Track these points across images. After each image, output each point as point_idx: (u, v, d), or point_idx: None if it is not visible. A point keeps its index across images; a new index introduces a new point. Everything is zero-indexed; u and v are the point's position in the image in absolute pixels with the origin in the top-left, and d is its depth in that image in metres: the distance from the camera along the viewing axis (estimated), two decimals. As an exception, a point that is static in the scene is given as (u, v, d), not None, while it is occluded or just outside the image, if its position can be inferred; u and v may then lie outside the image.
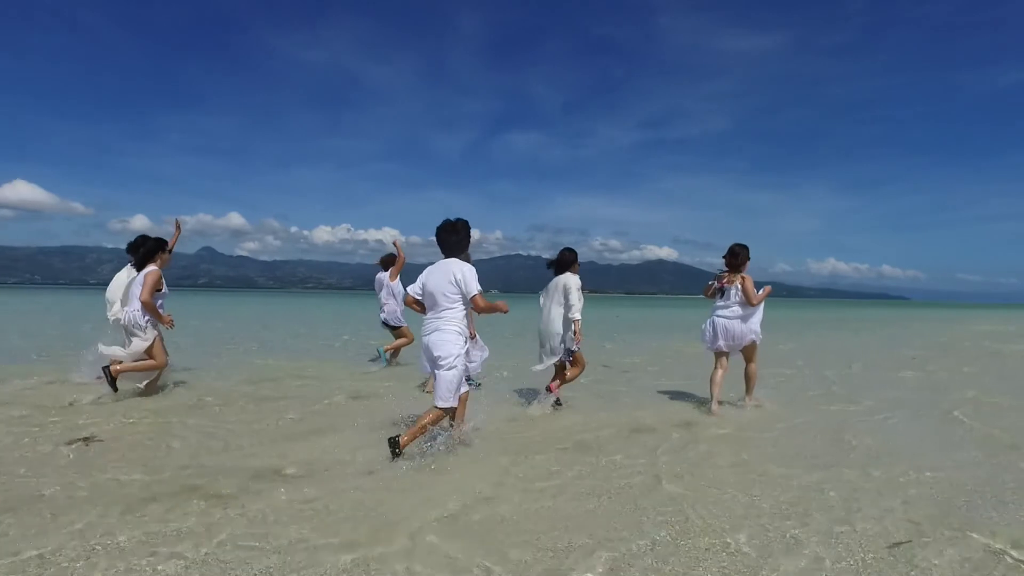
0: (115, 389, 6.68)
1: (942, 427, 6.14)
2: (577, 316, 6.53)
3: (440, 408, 4.63)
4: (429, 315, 4.78)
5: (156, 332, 6.87)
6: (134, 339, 6.79)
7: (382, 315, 9.85)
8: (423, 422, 4.59)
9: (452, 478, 4.20)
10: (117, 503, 3.63)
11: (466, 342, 4.72)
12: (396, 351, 9.99)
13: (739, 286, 6.68)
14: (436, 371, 4.67)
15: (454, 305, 4.65)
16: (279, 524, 3.38)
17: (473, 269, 4.71)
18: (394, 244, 9.75)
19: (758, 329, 6.76)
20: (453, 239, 4.81)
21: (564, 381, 6.84)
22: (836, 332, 23.50)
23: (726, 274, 6.80)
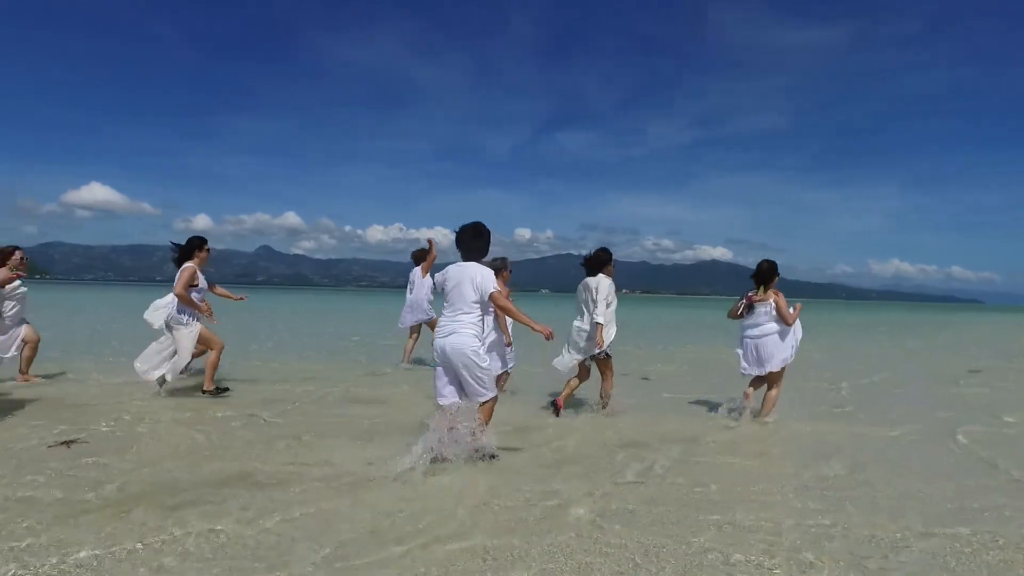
0: (160, 385, 6.98)
1: (945, 456, 5.38)
2: (601, 320, 6.29)
3: (485, 402, 4.63)
4: (445, 318, 4.68)
5: (198, 324, 7.00)
6: (176, 335, 6.92)
7: (402, 324, 10.01)
8: (483, 418, 4.61)
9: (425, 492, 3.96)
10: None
11: (483, 344, 4.66)
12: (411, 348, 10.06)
13: (772, 304, 6.29)
14: (462, 375, 4.57)
15: (472, 309, 4.58)
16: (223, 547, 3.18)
17: (492, 273, 4.64)
18: (428, 241, 9.80)
19: (791, 353, 6.34)
20: (478, 243, 4.71)
21: (572, 391, 6.69)
22: (884, 338, 22.37)
23: (755, 292, 6.42)
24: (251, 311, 26.14)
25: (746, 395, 6.57)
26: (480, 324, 4.64)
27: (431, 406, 4.84)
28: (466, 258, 4.72)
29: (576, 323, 6.59)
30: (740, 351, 6.56)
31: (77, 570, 2.83)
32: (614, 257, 6.64)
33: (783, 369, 6.39)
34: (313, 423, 5.99)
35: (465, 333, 4.55)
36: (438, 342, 4.64)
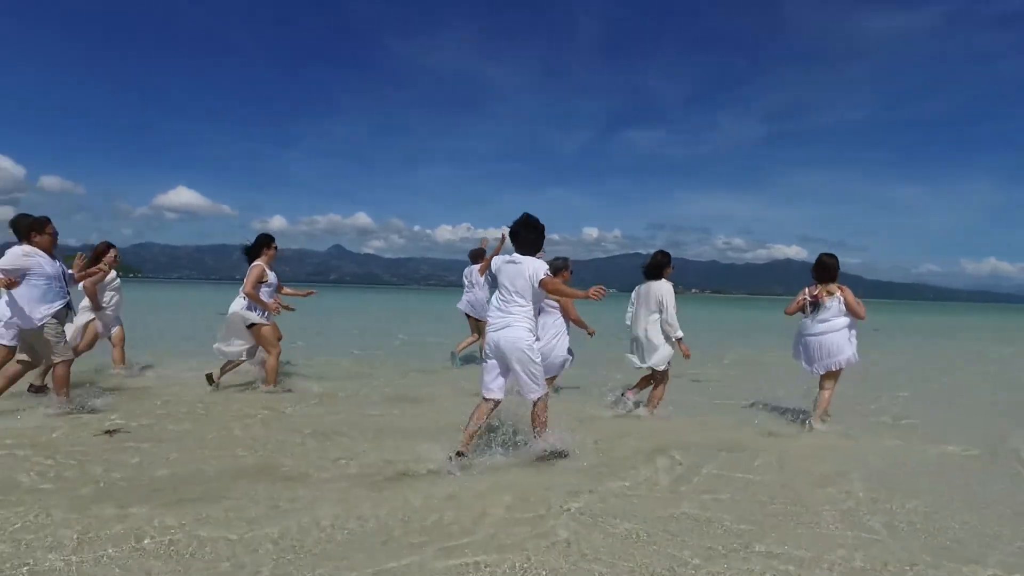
0: (212, 381, 7.25)
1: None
2: (680, 334, 6.26)
3: (537, 399, 4.63)
4: (498, 312, 4.67)
5: (269, 323, 7.21)
6: (245, 332, 7.16)
7: (462, 306, 10.21)
8: (539, 420, 4.67)
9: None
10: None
11: (537, 339, 4.65)
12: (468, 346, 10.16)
13: (839, 298, 5.98)
14: (515, 368, 4.57)
15: (525, 302, 4.57)
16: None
17: (543, 264, 4.62)
18: (482, 242, 9.92)
19: (854, 352, 6.03)
20: (532, 236, 4.69)
21: (643, 388, 6.72)
22: (967, 342, 20.99)
23: (819, 287, 6.10)
24: (311, 309, 26.87)
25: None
26: (533, 318, 4.63)
27: (470, 406, 4.77)
28: (520, 251, 4.69)
29: (635, 333, 6.50)
30: (800, 349, 6.27)
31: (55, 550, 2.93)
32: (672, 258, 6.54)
33: (840, 370, 6.07)
34: (350, 421, 6.06)
35: (519, 327, 4.54)
36: (491, 336, 4.63)
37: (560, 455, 4.58)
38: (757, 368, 11.57)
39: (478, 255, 9.91)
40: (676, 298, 6.34)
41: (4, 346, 5.74)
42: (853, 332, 6.06)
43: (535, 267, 4.55)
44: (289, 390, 7.38)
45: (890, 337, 21.13)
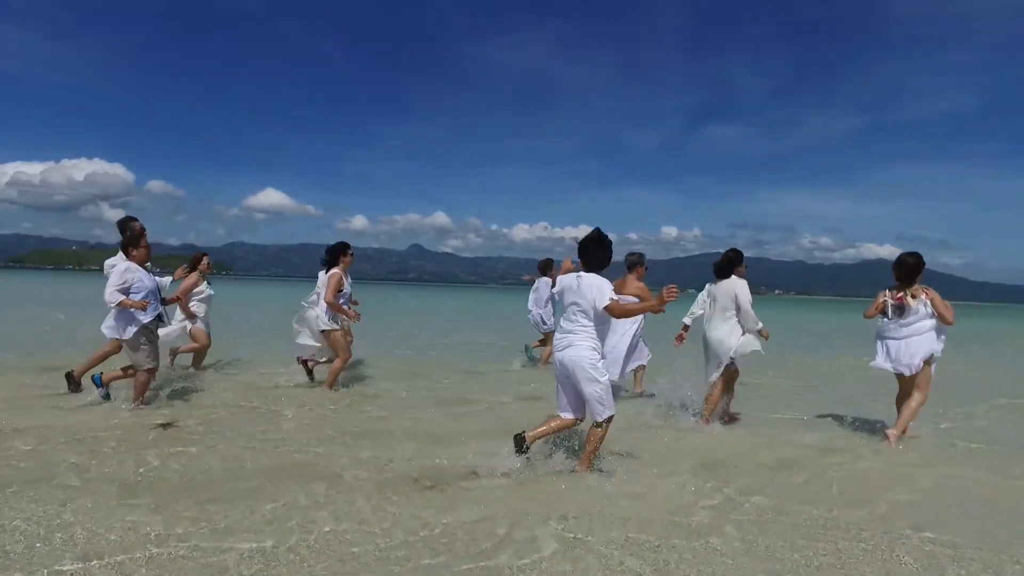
0: (312, 379, 7.60)
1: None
2: (760, 325, 6.07)
3: (602, 420, 4.47)
4: (562, 330, 4.61)
5: (339, 328, 7.44)
6: (326, 338, 7.41)
7: (533, 316, 10.23)
8: (591, 447, 4.51)
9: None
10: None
11: (602, 357, 4.51)
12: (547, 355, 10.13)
13: (925, 300, 5.59)
14: (581, 389, 4.45)
15: (588, 321, 4.46)
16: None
17: (606, 281, 4.48)
18: (564, 262, 10.03)
19: (939, 347, 5.65)
20: (599, 253, 4.54)
21: (727, 396, 6.41)
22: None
23: (897, 290, 5.74)
24: (384, 308, 27.44)
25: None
26: (597, 336, 4.50)
27: (510, 412, 4.68)
28: (587, 268, 4.58)
29: (708, 335, 6.27)
30: (882, 351, 5.88)
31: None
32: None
33: (928, 371, 5.64)
34: (385, 422, 6.12)
35: (582, 346, 4.44)
36: (556, 355, 4.58)
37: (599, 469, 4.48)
38: (829, 375, 10.95)
39: (547, 267, 10.00)
40: (754, 298, 6.12)
41: (115, 339, 6.18)
42: (942, 337, 5.67)
43: (598, 287, 4.41)
44: (341, 387, 7.52)
45: (986, 346, 19.63)
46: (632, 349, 6.83)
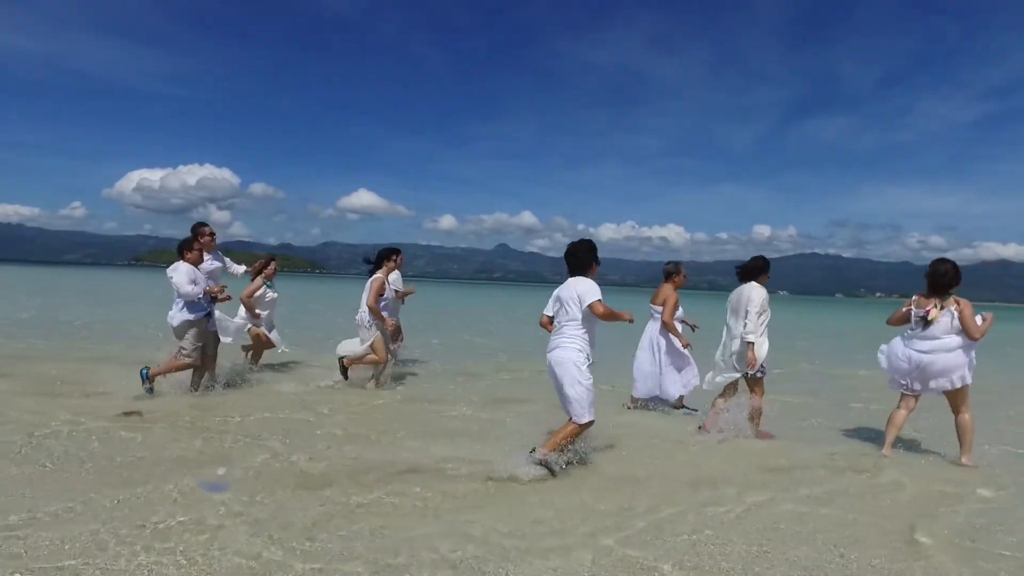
0: (346, 377, 7.62)
1: None
2: (752, 338, 5.71)
3: (577, 424, 4.58)
4: (553, 334, 4.81)
5: (378, 332, 7.59)
6: (362, 336, 7.59)
7: None
8: (558, 437, 4.59)
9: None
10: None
11: (588, 359, 4.64)
12: None
13: (955, 313, 5.09)
14: (563, 390, 4.61)
15: (574, 323, 4.65)
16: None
17: (594, 284, 4.70)
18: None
19: (968, 371, 5.10)
20: (572, 260, 4.84)
21: (758, 416, 6.02)
22: None
23: (929, 299, 5.23)
24: (439, 305, 27.70)
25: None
26: (585, 339, 4.65)
27: (524, 417, 4.66)
28: (571, 274, 4.81)
29: (724, 339, 6.07)
30: (898, 362, 5.37)
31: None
32: (770, 264, 6.15)
33: (965, 389, 5.12)
34: (408, 420, 6.16)
35: (568, 347, 4.62)
36: (547, 357, 4.74)
37: (550, 470, 4.44)
38: (859, 390, 10.08)
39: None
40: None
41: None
42: (972, 353, 5.12)
43: (583, 289, 4.61)
44: (371, 385, 7.59)
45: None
46: (668, 369, 6.81)
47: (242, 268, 8.16)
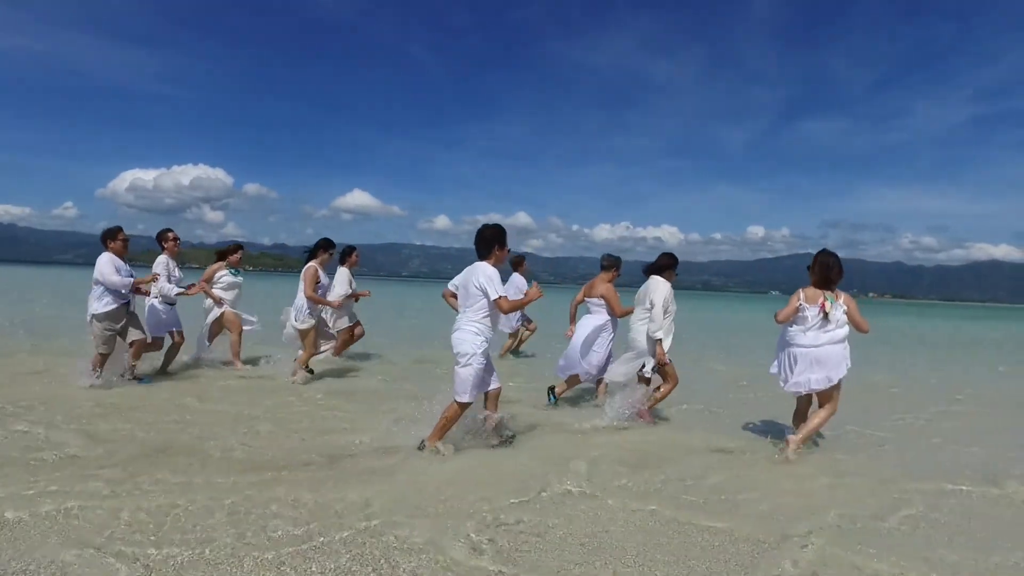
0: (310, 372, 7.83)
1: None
2: (659, 335, 5.98)
3: (457, 403, 4.83)
4: (458, 314, 5.06)
5: (313, 321, 7.74)
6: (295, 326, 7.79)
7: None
8: (441, 421, 4.87)
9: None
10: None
11: (485, 341, 4.88)
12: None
13: (843, 306, 5.18)
14: (454, 367, 4.89)
15: (474, 306, 4.90)
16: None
17: (495, 272, 4.92)
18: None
19: (848, 363, 5.22)
20: (479, 243, 5.04)
21: (656, 400, 6.30)
22: None
23: (821, 295, 5.19)
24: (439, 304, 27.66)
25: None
26: (483, 322, 4.90)
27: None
28: (479, 257, 5.04)
29: (630, 334, 6.33)
30: (787, 362, 5.34)
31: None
32: (678, 261, 6.45)
33: (838, 388, 5.22)
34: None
35: (466, 329, 4.90)
36: (452, 336, 5.00)
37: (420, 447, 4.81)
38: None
39: (518, 263, 10.43)
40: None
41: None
42: (847, 344, 5.24)
43: (487, 275, 4.86)
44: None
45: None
46: (595, 355, 6.65)
47: (177, 289, 7.91)
